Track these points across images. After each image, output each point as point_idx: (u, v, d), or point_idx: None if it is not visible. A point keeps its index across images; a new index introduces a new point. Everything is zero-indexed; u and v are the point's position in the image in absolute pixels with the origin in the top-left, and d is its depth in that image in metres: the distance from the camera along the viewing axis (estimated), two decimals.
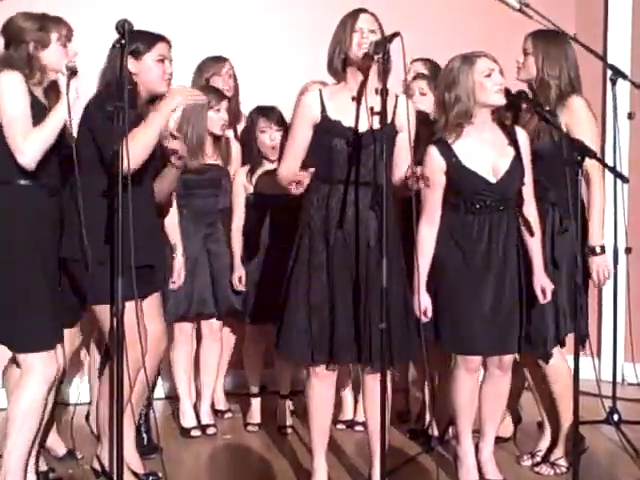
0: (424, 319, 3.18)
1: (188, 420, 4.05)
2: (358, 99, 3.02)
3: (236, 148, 4.13)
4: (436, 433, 3.83)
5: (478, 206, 3.22)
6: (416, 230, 3.10)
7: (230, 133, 4.16)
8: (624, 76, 3.86)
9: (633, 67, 4.75)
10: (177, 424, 4.09)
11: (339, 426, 4.08)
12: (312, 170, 2.99)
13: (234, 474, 3.65)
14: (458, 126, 3.21)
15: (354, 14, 3.10)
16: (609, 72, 3.88)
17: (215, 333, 4.13)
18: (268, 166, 4.00)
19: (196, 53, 4.30)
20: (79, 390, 4.21)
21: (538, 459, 3.58)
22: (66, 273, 3.10)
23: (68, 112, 2.86)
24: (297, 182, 2.96)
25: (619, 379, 4.37)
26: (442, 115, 3.26)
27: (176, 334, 4.02)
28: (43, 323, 2.99)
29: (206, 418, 4.09)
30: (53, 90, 3.04)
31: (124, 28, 2.60)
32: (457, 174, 3.21)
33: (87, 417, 3.94)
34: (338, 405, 4.03)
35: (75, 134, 3.02)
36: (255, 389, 4.18)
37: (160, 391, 4.54)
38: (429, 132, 3.37)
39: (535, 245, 3.29)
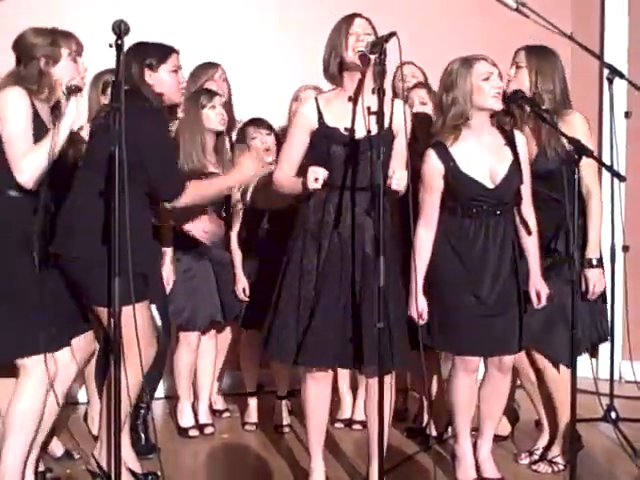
0: (420, 322, 3.18)
1: (186, 420, 4.05)
2: (355, 100, 3.02)
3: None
4: (434, 432, 3.84)
5: (475, 210, 3.22)
6: (413, 233, 3.10)
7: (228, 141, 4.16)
8: (621, 75, 3.86)
9: (630, 66, 4.76)
10: (175, 424, 4.09)
11: (337, 425, 4.09)
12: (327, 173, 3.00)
13: (232, 473, 3.65)
14: (455, 128, 3.21)
15: (349, 18, 3.10)
16: (606, 71, 3.89)
17: (211, 334, 4.13)
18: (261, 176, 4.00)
19: (191, 56, 4.28)
20: (77, 391, 4.23)
21: (536, 457, 3.59)
22: (65, 277, 3.09)
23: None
24: (315, 178, 2.97)
25: (616, 377, 4.37)
26: (439, 117, 3.26)
27: (181, 340, 4.02)
28: (37, 327, 2.96)
29: (204, 418, 4.10)
30: (57, 108, 3.05)
31: (120, 29, 2.60)
32: (455, 179, 3.21)
33: (85, 417, 3.95)
34: (336, 404, 4.03)
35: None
36: (252, 388, 4.17)
37: (158, 391, 4.53)
38: (429, 135, 3.37)
39: (532, 248, 3.30)
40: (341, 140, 3.06)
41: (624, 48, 4.90)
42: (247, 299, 3.98)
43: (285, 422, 4.09)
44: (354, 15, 3.10)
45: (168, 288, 3.81)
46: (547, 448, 3.58)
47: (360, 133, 3.04)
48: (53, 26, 3.10)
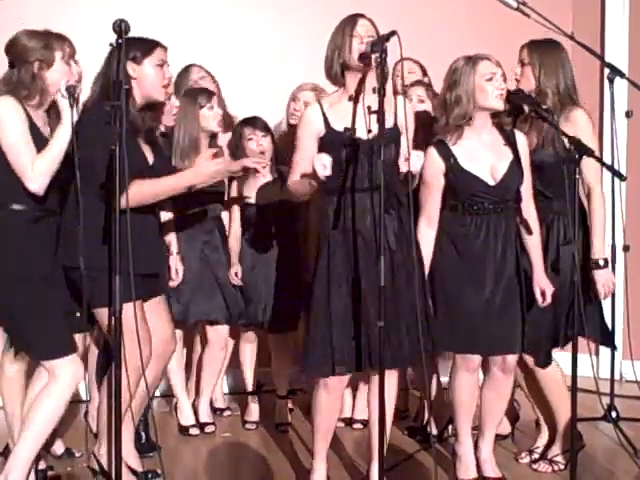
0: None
1: (186, 418, 4.06)
2: (355, 99, 3.01)
3: (227, 154, 4.13)
4: (435, 431, 3.84)
5: (476, 208, 3.22)
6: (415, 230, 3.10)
7: (225, 137, 4.16)
8: (622, 74, 3.86)
9: (630, 65, 4.76)
10: (175, 422, 4.10)
11: (338, 424, 4.06)
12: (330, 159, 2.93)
13: (233, 472, 3.65)
14: (458, 127, 3.21)
15: (352, 19, 3.09)
16: (606, 70, 3.89)
17: (221, 339, 4.09)
18: (263, 179, 3.99)
19: (188, 55, 4.30)
20: (77, 388, 4.23)
21: (536, 456, 3.59)
22: (68, 282, 3.09)
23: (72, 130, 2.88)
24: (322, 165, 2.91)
25: (617, 376, 4.38)
26: (443, 115, 3.26)
27: None
28: (60, 329, 3.00)
29: (205, 416, 4.10)
30: (54, 111, 3.03)
31: (121, 28, 2.60)
32: (456, 176, 3.21)
33: (85, 415, 3.95)
34: None
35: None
36: (251, 388, 4.18)
37: (158, 390, 4.54)
38: (429, 134, 3.37)
39: (535, 247, 3.30)
40: (349, 143, 3.03)
41: (625, 47, 4.90)
42: (239, 282, 3.97)
43: (286, 420, 4.09)
44: (357, 16, 3.09)
45: (179, 279, 3.81)
46: (547, 447, 3.58)
47: (368, 134, 3.00)
48: (46, 28, 3.07)
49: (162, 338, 3.23)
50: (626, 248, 4.19)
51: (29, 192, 2.96)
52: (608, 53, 4.80)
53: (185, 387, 4.13)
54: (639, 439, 3.62)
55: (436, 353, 3.64)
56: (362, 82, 3.01)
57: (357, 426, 4.05)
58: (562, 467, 3.48)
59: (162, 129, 3.74)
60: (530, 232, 3.28)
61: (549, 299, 3.29)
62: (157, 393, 4.51)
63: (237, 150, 4.03)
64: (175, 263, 3.81)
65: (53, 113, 3.05)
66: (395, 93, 3.36)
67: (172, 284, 3.80)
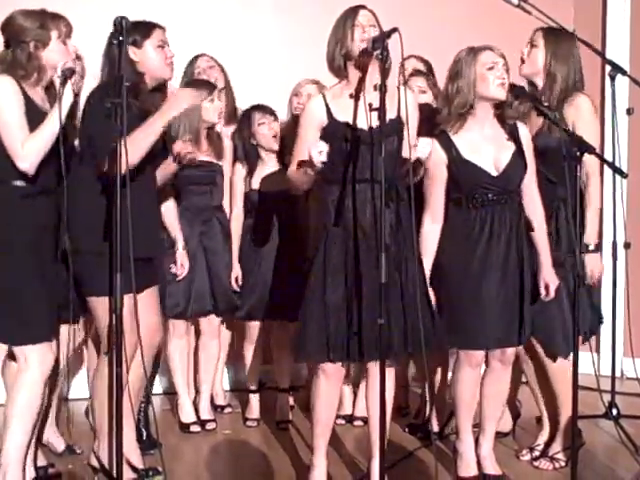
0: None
1: (187, 415, 4.06)
2: (356, 96, 3.01)
3: (228, 144, 4.12)
4: (435, 428, 3.84)
5: (480, 200, 3.21)
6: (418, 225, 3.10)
7: (226, 131, 4.15)
8: (623, 72, 3.86)
9: (632, 62, 4.75)
10: (176, 419, 4.10)
11: (338, 421, 4.07)
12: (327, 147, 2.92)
13: (233, 469, 3.65)
14: (460, 117, 3.21)
15: (353, 10, 3.09)
16: (608, 68, 3.89)
17: (214, 329, 4.13)
18: (269, 166, 4.00)
19: (192, 48, 4.30)
20: (78, 385, 4.23)
21: (537, 453, 3.59)
22: (67, 267, 3.10)
23: (66, 113, 2.89)
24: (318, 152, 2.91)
25: (618, 374, 4.37)
26: (445, 106, 3.26)
27: (170, 330, 4.01)
28: (39, 316, 2.99)
29: (205, 413, 4.10)
30: (51, 90, 3.05)
31: (122, 25, 2.60)
32: (458, 167, 3.21)
33: (86, 412, 3.95)
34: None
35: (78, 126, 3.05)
36: (254, 385, 4.18)
37: (159, 386, 4.55)
38: (431, 126, 3.36)
39: (542, 241, 3.29)
40: (352, 134, 3.03)
41: (626, 44, 4.90)
42: (237, 289, 3.97)
43: (287, 418, 4.09)
44: (359, 7, 3.09)
45: (185, 272, 3.83)
46: (548, 444, 3.58)
47: (370, 126, 3.00)
48: (42, 7, 3.07)
49: (148, 328, 3.19)
50: (627, 245, 4.18)
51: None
52: (609, 50, 4.80)
53: (187, 384, 4.13)
54: None
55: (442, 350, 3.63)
56: (363, 78, 3.00)
57: (357, 423, 4.05)
58: (563, 464, 3.48)
59: None
60: (531, 230, 3.28)
61: (552, 294, 3.29)
62: (158, 390, 4.52)
63: (246, 137, 4.01)
64: (181, 258, 3.82)
65: (52, 91, 3.05)
66: (398, 85, 3.35)
67: (178, 274, 3.83)
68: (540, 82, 3.45)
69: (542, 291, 3.29)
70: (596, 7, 4.97)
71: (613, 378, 4.03)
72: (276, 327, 4.08)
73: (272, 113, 4.04)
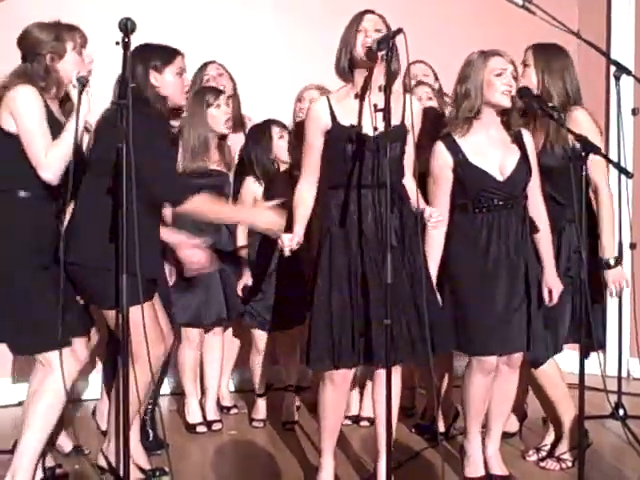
0: None
1: (194, 416, 4.07)
2: (361, 97, 3.02)
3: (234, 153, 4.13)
4: (442, 428, 3.84)
5: (486, 205, 3.21)
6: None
7: (237, 139, 4.16)
8: (628, 72, 3.85)
9: (637, 62, 4.75)
10: (183, 420, 4.11)
11: (345, 421, 4.07)
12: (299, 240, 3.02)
13: (240, 470, 3.66)
14: (466, 121, 3.22)
15: (360, 15, 3.09)
16: (613, 68, 3.88)
17: (217, 330, 4.13)
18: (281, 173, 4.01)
19: (197, 54, 4.30)
20: (86, 386, 4.25)
21: (543, 454, 3.59)
22: (71, 278, 3.09)
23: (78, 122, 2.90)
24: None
25: (624, 374, 4.37)
26: (454, 107, 3.26)
27: (183, 337, 4.02)
28: (54, 322, 2.99)
29: (212, 414, 4.11)
30: (67, 102, 3.07)
31: (127, 27, 2.61)
32: (464, 171, 3.21)
33: (94, 413, 3.97)
34: None
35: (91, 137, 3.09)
36: (261, 390, 4.18)
37: (165, 387, 4.55)
38: (436, 130, 3.37)
39: (545, 247, 3.29)
40: (355, 138, 3.03)
41: (631, 45, 4.89)
42: (242, 297, 3.98)
43: (293, 419, 4.09)
44: (366, 11, 3.09)
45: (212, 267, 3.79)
46: (555, 445, 3.57)
47: (374, 130, 3.01)
48: (56, 19, 3.10)
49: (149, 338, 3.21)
50: (633, 246, 4.18)
51: (36, 180, 2.98)
52: (614, 50, 4.79)
53: (194, 385, 4.14)
54: None
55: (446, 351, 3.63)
56: (369, 79, 3.01)
57: (364, 424, 4.05)
58: (569, 465, 3.47)
59: None
60: (536, 231, 3.28)
61: (556, 299, 3.29)
62: (165, 391, 4.53)
63: (268, 151, 3.99)
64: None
65: (66, 105, 3.08)
66: (405, 91, 3.35)
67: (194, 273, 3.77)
68: None
69: (546, 297, 3.29)
70: (601, 7, 4.96)
71: (620, 378, 4.03)
72: (280, 333, 4.10)
73: (285, 125, 4.06)
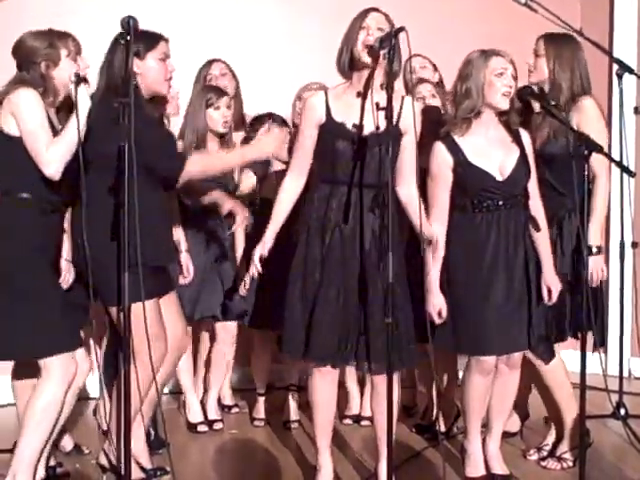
0: (438, 320, 3.18)
1: (195, 415, 4.06)
2: (364, 95, 3.01)
3: None
4: (443, 428, 3.84)
5: (486, 204, 3.20)
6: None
7: (237, 136, 4.15)
8: (630, 70, 3.85)
9: (639, 61, 4.74)
10: (184, 419, 4.10)
11: (345, 421, 4.09)
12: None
13: (240, 469, 3.65)
14: (465, 121, 3.21)
15: (364, 12, 3.09)
16: (615, 66, 3.88)
17: (231, 336, 4.10)
18: (276, 168, 4.00)
19: (197, 53, 4.30)
20: (86, 385, 4.24)
21: (544, 453, 3.58)
22: (77, 275, 3.10)
23: (78, 119, 2.89)
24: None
25: (626, 373, 4.37)
26: (453, 106, 3.26)
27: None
28: (56, 326, 3.00)
29: (213, 413, 4.11)
30: (64, 109, 3.06)
31: (129, 25, 2.60)
32: (464, 171, 3.20)
33: (94, 412, 3.96)
34: (344, 400, 4.04)
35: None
36: (262, 389, 4.18)
37: (166, 386, 4.55)
38: (436, 130, 3.36)
39: (544, 245, 3.29)
40: (347, 135, 3.05)
41: (634, 43, 4.89)
42: (244, 293, 3.97)
43: (294, 418, 4.09)
44: (370, 9, 3.09)
45: (190, 276, 3.79)
46: (556, 444, 3.57)
47: (368, 129, 3.03)
48: (49, 27, 3.09)
49: (175, 334, 3.24)
50: (634, 245, 4.18)
51: (37, 182, 2.97)
52: (617, 49, 4.79)
53: (193, 384, 4.13)
54: None
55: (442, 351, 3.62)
56: (370, 77, 3.00)
57: (365, 423, 4.04)
58: (570, 464, 3.47)
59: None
60: (538, 229, 3.28)
61: (555, 298, 3.29)
62: (166, 390, 4.53)
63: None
64: (186, 261, 3.80)
65: (62, 112, 3.08)
66: (407, 90, 3.34)
67: (183, 281, 3.78)
68: (547, 88, 3.43)
69: (545, 295, 3.29)
70: (603, 5, 4.96)
71: (621, 378, 4.02)
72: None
73: (283, 122, 4.03)
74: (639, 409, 4.01)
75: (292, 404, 4.11)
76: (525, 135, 3.30)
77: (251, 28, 4.77)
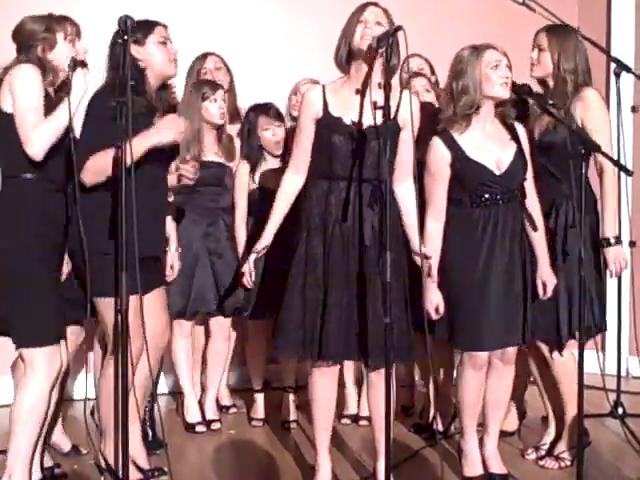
0: (435, 316, 3.18)
1: (193, 415, 4.06)
2: (362, 93, 3.01)
3: (239, 144, 4.12)
4: (440, 427, 3.83)
5: (484, 199, 3.20)
6: (421, 225, 3.10)
7: (233, 130, 4.15)
8: (628, 69, 3.85)
9: (637, 59, 4.75)
10: (181, 419, 4.10)
11: (343, 420, 4.09)
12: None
13: (239, 469, 3.65)
14: (465, 118, 3.20)
15: (363, 6, 3.08)
16: (613, 65, 3.88)
17: (225, 332, 4.10)
18: (272, 164, 4.00)
19: (197, 52, 4.29)
20: (84, 386, 4.23)
21: (542, 453, 3.58)
22: (74, 267, 3.10)
23: (71, 105, 2.89)
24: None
25: (623, 372, 4.36)
26: (449, 105, 3.25)
27: (175, 330, 4.00)
28: (45, 318, 2.99)
29: (211, 413, 4.10)
30: (63, 91, 3.05)
31: (126, 24, 2.59)
32: (462, 166, 3.20)
33: (92, 413, 3.95)
34: (342, 399, 4.03)
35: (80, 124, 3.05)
36: (258, 385, 4.18)
37: (164, 386, 4.55)
38: (433, 125, 3.35)
39: (539, 240, 3.29)
40: (343, 130, 3.04)
41: (631, 42, 4.89)
42: (250, 285, 3.96)
43: (292, 418, 4.09)
44: (368, 3, 3.08)
45: (173, 276, 3.78)
46: (554, 444, 3.57)
47: (364, 124, 3.02)
48: (49, 12, 3.11)
49: (155, 330, 3.20)
50: (632, 244, 4.18)
51: (40, 163, 2.97)
52: (614, 47, 4.79)
53: (192, 384, 4.13)
54: None
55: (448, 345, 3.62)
56: (369, 75, 2.99)
57: (363, 423, 4.04)
58: (568, 463, 3.47)
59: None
60: (535, 228, 3.28)
61: (550, 292, 3.29)
62: (164, 390, 4.52)
63: (251, 138, 4.00)
64: (172, 260, 3.77)
65: (61, 94, 3.06)
66: (401, 87, 3.34)
67: (166, 279, 3.74)
68: (551, 82, 3.43)
69: (540, 290, 3.29)
70: (601, 4, 4.96)
71: (619, 377, 4.03)
72: None
73: (277, 116, 4.01)
74: (637, 408, 4.01)
75: (290, 404, 4.11)
76: (521, 129, 3.30)
77: (250, 26, 4.76)
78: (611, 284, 4.07)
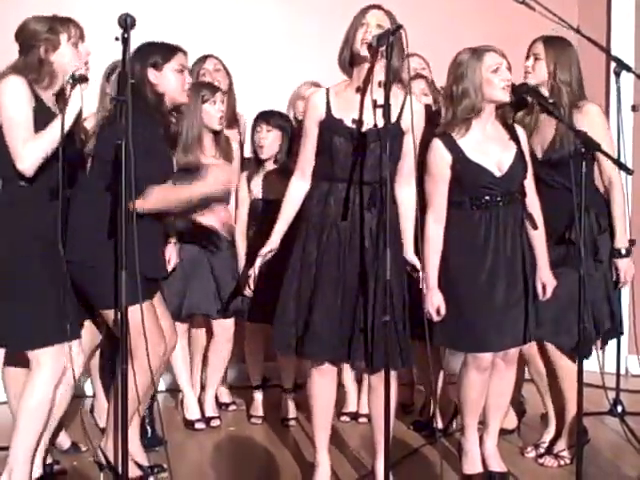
0: (437, 318, 3.17)
1: (192, 412, 4.06)
2: (362, 92, 3.01)
3: (236, 147, 4.12)
4: (440, 425, 3.84)
5: (484, 201, 3.20)
6: (422, 227, 3.10)
7: (230, 133, 4.15)
8: (628, 68, 3.85)
9: (637, 59, 4.75)
10: (181, 416, 4.10)
11: (343, 418, 4.09)
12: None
13: (238, 466, 3.65)
14: (466, 121, 3.20)
15: (365, 9, 3.08)
16: (613, 64, 3.88)
17: (228, 333, 4.08)
18: (268, 168, 4.00)
19: (197, 53, 4.29)
20: (83, 383, 4.24)
21: (542, 451, 3.59)
22: (71, 277, 3.08)
23: (64, 122, 2.89)
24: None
25: (623, 371, 4.36)
26: (449, 108, 3.25)
27: None
28: (47, 319, 2.99)
29: (210, 410, 4.11)
30: (62, 96, 3.06)
31: (126, 22, 2.59)
32: (463, 168, 3.19)
33: (92, 410, 3.96)
34: (342, 397, 4.04)
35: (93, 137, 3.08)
36: (257, 382, 4.18)
37: (163, 383, 4.55)
38: (431, 127, 3.35)
39: (539, 241, 3.29)
40: (344, 131, 3.04)
41: (631, 41, 4.89)
42: (250, 294, 3.96)
43: (291, 415, 4.09)
44: (370, 6, 3.08)
45: (170, 267, 3.73)
46: (553, 442, 3.58)
47: (366, 126, 3.02)
48: (54, 13, 3.10)
49: (164, 332, 3.22)
50: (632, 242, 4.17)
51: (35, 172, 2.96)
52: (614, 46, 4.78)
53: (190, 381, 4.13)
54: None
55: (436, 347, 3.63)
56: (370, 74, 3.00)
57: (362, 420, 4.04)
58: (568, 461, 3.48)
59: None
60: (535, 227, 3.28)
61: (549, 294, 3.29)
62: (163, 387, 4.53)
63: (253, 140, 4.05)
64: (171, 252, 3.73)
65: (60, 98, 3.07)
66: (404, 88, 3.33)
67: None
68: (546, 91, 3.43)
69: (539, 291, 3.29)
70: (601, 3, 4.95)
71: (618, 375, 4.03)
72: None
73: (270, 122, 3.99)
74: (636, 406, 4.01)
75: (290, 402, 4.11)
76: (520, 131, 3.31)
77: (250, 26, 4.76)
78: None
